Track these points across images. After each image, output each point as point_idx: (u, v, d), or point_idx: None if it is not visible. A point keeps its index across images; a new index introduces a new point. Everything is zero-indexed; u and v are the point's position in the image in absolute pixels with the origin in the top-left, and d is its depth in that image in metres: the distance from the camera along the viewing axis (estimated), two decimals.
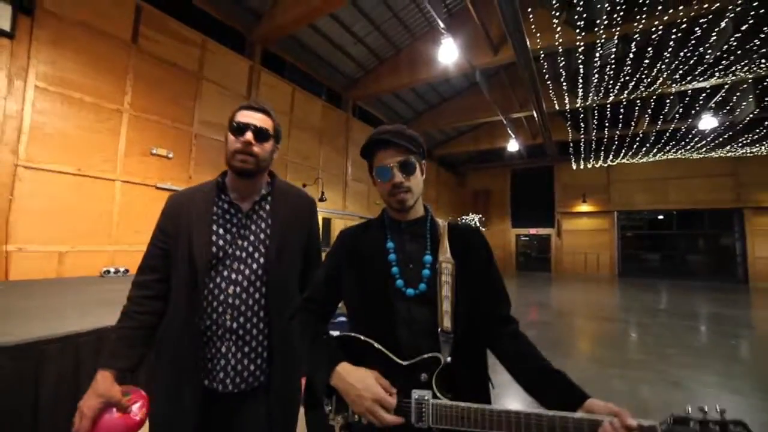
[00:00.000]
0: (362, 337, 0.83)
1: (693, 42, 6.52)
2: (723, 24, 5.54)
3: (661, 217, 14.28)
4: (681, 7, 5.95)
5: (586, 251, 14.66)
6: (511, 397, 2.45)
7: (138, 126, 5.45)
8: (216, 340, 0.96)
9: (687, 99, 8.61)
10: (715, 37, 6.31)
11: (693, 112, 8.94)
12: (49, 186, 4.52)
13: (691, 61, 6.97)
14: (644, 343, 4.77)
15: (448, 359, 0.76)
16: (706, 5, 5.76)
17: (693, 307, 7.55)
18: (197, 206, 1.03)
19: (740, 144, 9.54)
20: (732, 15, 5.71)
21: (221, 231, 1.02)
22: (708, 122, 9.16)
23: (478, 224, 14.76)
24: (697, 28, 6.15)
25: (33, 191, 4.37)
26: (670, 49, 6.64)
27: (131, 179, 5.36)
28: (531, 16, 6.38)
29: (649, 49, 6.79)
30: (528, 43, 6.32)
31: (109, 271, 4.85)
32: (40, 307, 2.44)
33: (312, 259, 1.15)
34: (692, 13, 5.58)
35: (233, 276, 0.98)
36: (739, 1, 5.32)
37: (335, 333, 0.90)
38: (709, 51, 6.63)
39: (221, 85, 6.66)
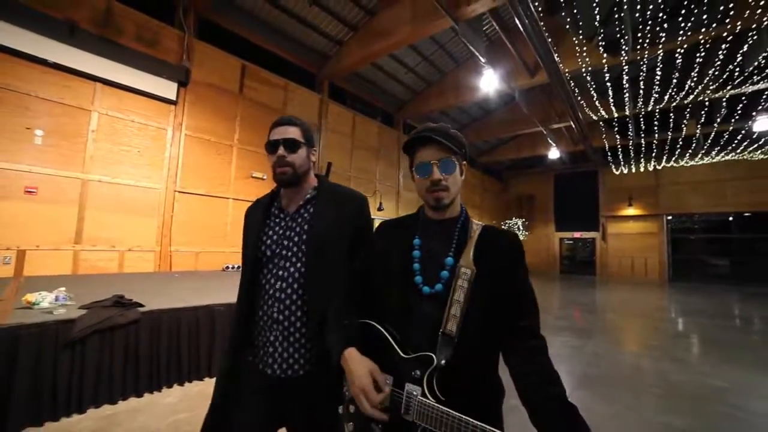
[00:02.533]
0: (373, 323, 0.89)
1: (738, 52, 6.79)
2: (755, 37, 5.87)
3: (724, 219, 13.78)
4: (715, 25, 6.37)
5: (633, 255, 14.56)
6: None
7: (243, 156, 7.12)
8: (266, 330, 1.08)
9: (743, 100, 8.58)
10: (755, 45, 6.54)
11: (752, 113, 8.90)
12: (190, 204, 6.26)
13: (738, 68, 7.17)
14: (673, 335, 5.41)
15: (442, 362, 0.77)
16: (739, 23, 6.15)
17: (742, 311, 7.73)
18: (258, 214, 1.20)
19: None
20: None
21: (270, 233, 1.15)
22: (763, 124, 9.11)
23: (520, 228, 15.30)
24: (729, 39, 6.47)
25: (182, 209, 6.13)
26: (720, 57, 6.87)
27: (239, 197, 7.02)
28: (563, 40, 7.15)
29: (698, 57, 7.02)
30: (561, 67, 7.14)
31: (228, 267, 6.50)
32: (205, 288, 3.94)
33: (360, 249, 1.18)
34: (728, 31, 5.94)
35: (279, 273, 1.09)
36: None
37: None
38: (760, 57, 6.77)
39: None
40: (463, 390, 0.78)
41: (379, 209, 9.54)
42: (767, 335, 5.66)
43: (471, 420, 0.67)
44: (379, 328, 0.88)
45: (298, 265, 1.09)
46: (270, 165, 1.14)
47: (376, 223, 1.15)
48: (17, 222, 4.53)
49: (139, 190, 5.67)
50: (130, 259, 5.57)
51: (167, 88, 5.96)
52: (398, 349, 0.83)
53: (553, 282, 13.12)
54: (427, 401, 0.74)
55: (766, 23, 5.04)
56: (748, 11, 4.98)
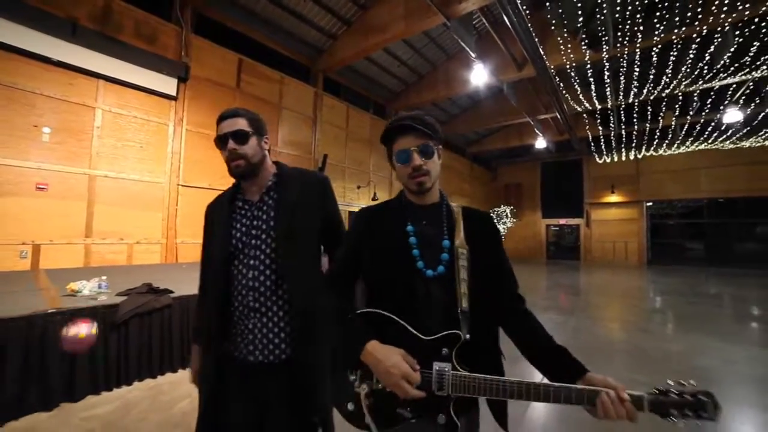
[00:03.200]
0: (385, 313, 0.90)
1: (710, 49, 7.25)
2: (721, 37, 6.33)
3: (693, 205, 14.58)
4: (688, 23, 6.79)
5: (615, 240, 15.32)
6: (520, 368, 3.92)
7: None
8: (244, 318, 1.09)
9: (712, 93, 9.14)
10: (721, 45, 7.04)
11: (720, 106, 9.47)
12: (193, 197, 6.46)
13: (707, 65, 7.68)
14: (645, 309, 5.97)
15: (467, 336, 0.85)
16: (705, 26, 6.54)
17: (713, 289, 8.41)
18: (222, 208, 1.19)
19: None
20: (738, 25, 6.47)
21: (238, 225, 1.14)
22: (733, 116, 9.69)
23: (508, 215, 15.84)
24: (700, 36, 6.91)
25: (186, 202, 6.33)
26: (690, 55, 7.36)
27: None
28: (549, 36, 7.47)
29: (671, 54, 7.48)
30: (547, 62, 7.49)
31: None
32: None
33: (332, 235, 1.21)
34: (697, 29, 6.35)
35: (251, 262, 1.10)
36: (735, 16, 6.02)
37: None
38: (725, 56, 7.32)
39: (294, 111, 8.41)
40: (482, 358, 0.87)
41: (374, 199, 9.85)
42: (726, 308, 6.30)
43: (504, 378, 0.79)
44: (389, 315, 0.90)
45: (268, 251, 1.10)
46: (224, 160, 1.14)
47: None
48: (31, 217, 4.71)
49: (143, 185, 5.85)
50: (138, 252, 5.79)
51: (167, 84, 6.09)
52: (416, 333, 0.87)
53: (540, 267, 13.75)
54: (462, 373, 0.81)
55: (728, 26, 5.47)
56: (712, 16, 5.40)
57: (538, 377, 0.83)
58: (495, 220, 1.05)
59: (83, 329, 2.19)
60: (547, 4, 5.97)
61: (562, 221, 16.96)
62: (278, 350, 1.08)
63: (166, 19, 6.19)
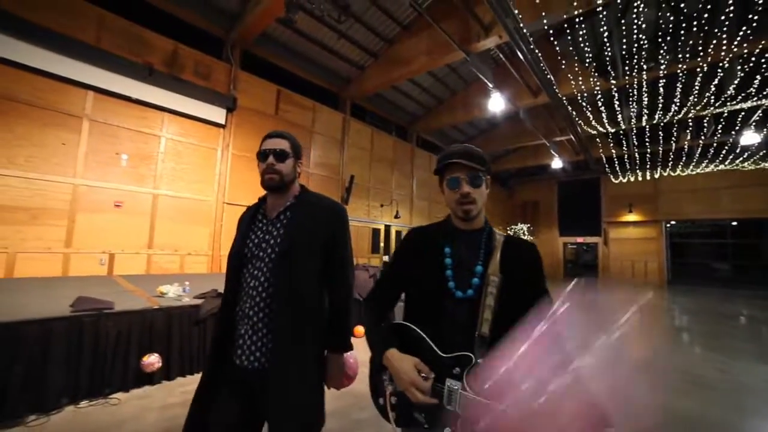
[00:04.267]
0: (412, 326, 1.00)
1: (715, 80, 7.65)
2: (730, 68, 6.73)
3: (712, 226, 14.47)
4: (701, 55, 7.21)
5: (634, 259, 15.28)
6: None
7: None
8: (241, 324, 1.19)
9: (724, 118, 9.42)
10: (726, 76, 7.39)
11: (734, 128, 9.70)
12: (236, 214, 7.19)
13: (719, 93, 8.02)
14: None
15: (479, 360, 0.88)
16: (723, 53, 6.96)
17: (724, 310, 8.47)
18: (246, 218, 1.31)
19: None
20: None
21: (253, 236, 1.25)
22: (750, 138, 9.86)
23: (525, 233, 16.09)
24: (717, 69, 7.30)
25: (229, 218, 7.09)
26: (696, 85, 7.79)
27: None
28: (561, 68, 8.02)
29: (678, 83, 7.91)
30: (559, 92, 8.02)
31: None
32: None
33: (334, 261, 1.27)
34: (700, 63, 6.80)
35: (255, 272, 1.20)
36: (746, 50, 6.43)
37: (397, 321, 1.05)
38: (731, 87, 7.63)
39: (325, 135, 9.20)
40: None
41: (396, 217, 10.46)
42: (736, 327, 6.45)
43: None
44: (416, 329, 0.98)
45: (271, 266, 1.18)
46: (259, 172, 1.25)
47: (351, 225, 1.35)
48: (108, 230, 5.53)
49: (194, 203, 6.64)
50: (188, 262, 6.54)
51: (218, 114, 6.96)
52: (436, 349, 0.93)
53: (557, 284, 13.85)
54: (469, 395, 0.84)
55: (728, 60, 5.91)
56: (713, 50, 5.88)
57: None
58: (537, 251, 1.07)
59: (154, 360, 2.88)
60: (554, 40, 6.53)
61: (580, 239, 17.04)
62: (264, 358, 1.15)
63: (218, 58, 7.11)
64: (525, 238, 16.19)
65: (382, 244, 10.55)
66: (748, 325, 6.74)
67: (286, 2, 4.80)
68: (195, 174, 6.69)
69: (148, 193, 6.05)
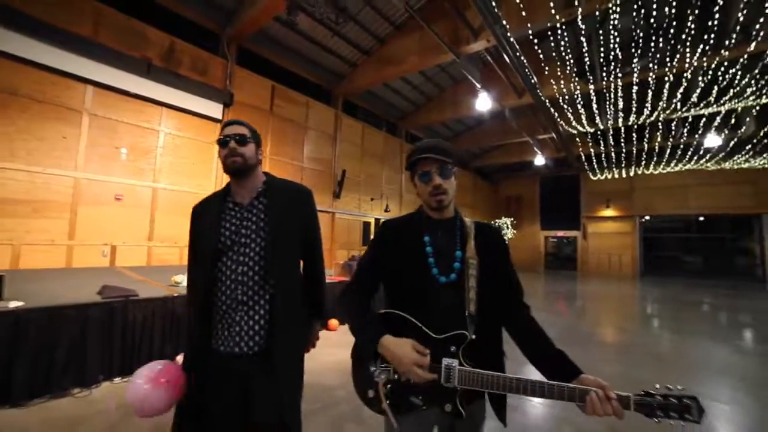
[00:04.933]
0: (401, 314, 1.03)
1: (680, 87, 8.26)
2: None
3: (680, 221, 15.48)
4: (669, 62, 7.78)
5: (610, 252, 16.17)
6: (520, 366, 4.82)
7: (273, 166, 8.25)
8: (231, 311, 1.19)
9: (689, 122, 10.18)
10: (690, 84, 8.02)
11: (698, 131, 10.47)
12: None
13: (684, 99, 8.66)
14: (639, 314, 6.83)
15: (473, 336, 0.96)
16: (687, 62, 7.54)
17: (687, 297, 9.25)
18: (210, 209, 1.30)
19: (744, 157, 10.91)
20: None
21: (227, 225, 1.25)
22: (712, 140, 10.63)
23: (508, 226, 16.73)
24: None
25: None
26: (666, 88, 8.40)
27: None
28: (544, 71, 8.47)
29: (649, 89, 8.55)
30: (542, 93, 8.48)
31: None
32: None
33: (309, 241, 1.35)
34: (667, 72, 7.36)
35: (240, 258, 1.21)
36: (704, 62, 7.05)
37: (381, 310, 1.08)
38: (693, 94, 8.23)
39: (318, 130, 9.40)
40: (485, 357, 0.97)
41: (386, 210, 10.80)
42: (695, 313, 7.13)
43: (505, 374, 0.90)
44: (405, 315, 1.02)
45: (257, 249, 1.21)
46: (221, 159, 1.27)
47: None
48: (109, 223, 5.65)
49: (192, 196, 6.78)
50: (186, 254, 6.70)
51: (214, 109, 7.08)
52: (428, 331, 0.98)
53: (538, 276, 14.61)
54: (468, 369, 0.92)
55: (691, 69, 6.52)
56: (678, 61, 6.47)
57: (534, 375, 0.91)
58: (503, 234, 1.29)
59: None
60: (537, 45, 6.96)
61: (560, 233, 17.84)
62: (261, 340, 1.19)
63: (214, 53, 7.20)
64: (507, 230, 16.88)
65: (371, 237, 10.88)
66: (706, 311, 7.45)
67: (287, 5, 5.00)
68: (193, 168, 6.83)
69: (148, 187, 6.17)
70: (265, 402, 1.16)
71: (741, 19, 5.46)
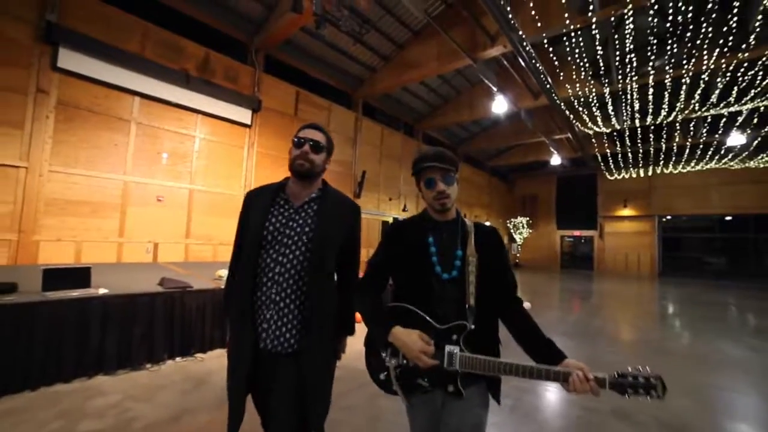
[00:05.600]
0: (409, 306, 1.15)
1: (698, 89, 8.24)
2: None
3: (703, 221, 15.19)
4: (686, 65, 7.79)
5: (627, 252, 16.04)
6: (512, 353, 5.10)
7: None
8: (265, 309, 1.21)
9: (708, 122, 10.07)
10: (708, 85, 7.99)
11: (720, 131, 10.35)
12: None
13: (699, 99, 8.61)
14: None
15: (472, 326, 1.08)
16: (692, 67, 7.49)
17: (702, 299, 9.23)
18: (262, 199, 1.32)
19: None
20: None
21: (273, 219, 1.27)
22: (736, 138, 10.48)
23: (524, 225, 16.75)
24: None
25: None
26: (684, 88, 8.38)
27: None
28: (559, 73, 8.60)
29: (666, 90, 8.58)
30: (556, 96, 8.62)
31: None
32: None
33: (348, 255, 1.38)
34: (683, 73, 7.39)
35: (279, 258, 1.22)
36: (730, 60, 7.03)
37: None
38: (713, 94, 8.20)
39: (339, 133, 9.80)
40: (482, 344, 1.10)
41: (404, 209, 11.15)
42: (709, 312, 7.18)
43: (500, 359, 1.03)
44: (412, 308, 1.14)
45: (297, 253, 1.22)
46: (290, 157, 1.29)
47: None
48: (152, 222, 6.20)
49: (224, 197, 7.30)
50: (220, 251, 7.23)
51: (244, 115, 7.57)
52: (433, 322, 1.10)
53: (554, 275, 14.66)
54: (468, 354, 1.05)
55: (709, 70, 6.58)
56: (694, 63, 6.55)
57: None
58: (500, 234, 1.29)
59: None
60: (550, 48, 7.13)
61: (577, 233, 17.76)
62: (288, 342, 1.20)
63: (243, 62, 7.69)
64: (522, 230, 16.93)
65: (382, 236, 11.26)
66: (721, 311, 7.48)
67: (316, 19, 5.39)
68: (225, 170, 7.34)
69: (185, 189, 6.71)
70: (287, 402, 1.17)
71: (759, 18, 5.52)
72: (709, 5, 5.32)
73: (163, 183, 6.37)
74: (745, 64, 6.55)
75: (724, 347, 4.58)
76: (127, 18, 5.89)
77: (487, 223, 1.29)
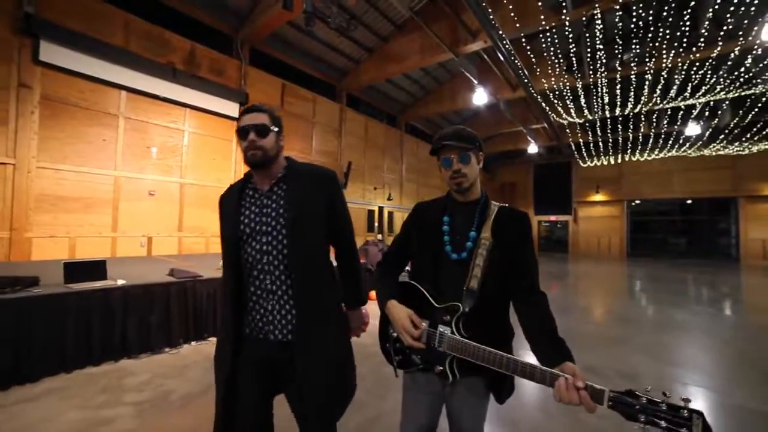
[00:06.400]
0: (414, 283, 1.19)
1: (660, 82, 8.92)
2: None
3: (663, 205, 16.37)
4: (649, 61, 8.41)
5: (599, 235, 17.09)
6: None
7: None
8: (263, 300, 1.18)
9: (668, 114, 10.89)
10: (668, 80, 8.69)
11: (678, 122, 11.20)
12: None
13: (664, 93, 9.34)
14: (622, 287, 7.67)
15: (466, 309, 1.06)
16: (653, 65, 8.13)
17: (663, 274, 10.14)
18: (232, 196, 1.27)
19: (721, 144, 11.70)
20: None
21: (247, 212, 1.22)
22: (692, 129, 11.36)
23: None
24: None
25: None
26: (647, 82, 9.06)
27: None
28: (538, 70, 9.07)
29: (631, 85, 9.21)
30: (533, 89, 9.09)
31: None
32: None
33: (338, 222, 1.30)
34: (646, 69, 8.02)
35: (263, 248, 1.18)
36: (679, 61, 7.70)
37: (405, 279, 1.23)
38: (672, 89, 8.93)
39: (324, 124, 9.95)
40: (481, 330, 1.06)
41: (389, 198, 11.47)
42: (667, 286, 7.98)
43: (484, 347, 0.98)
44: (418, 286, 1.18)
45: (280, 237, 1.17)
46: (242, 149, 1.21)
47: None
48: (145, 216, 6.27)
49: (214, 189, 7.38)
50: (212, 243, 7.36)
51: (231, 108, 7.62)
52: (432, 300, 1.13)
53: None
54: (455, 337, 1.04)
55: (668, 67, 7.21)
56: (655, 60, 7.17)
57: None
58: (529, 221, 1.18)
59: None
60: (527, 44, 7.54)
61: (553, 218, 18.69)
62: (293, 329, 1.17)
63: (229, 55, 7.69)
64: (522, 213, 17.87)
65: (376, 224, 11.60)
66: (678, 285, 8.32)
67: (305, 15, 5.52)
68: (214, 164, 7.42)
69: (176, 182, 6.77)
70: (292, 391, 1.17)
71: (707, 25, 6.10)
72: (666, 8, 5.85)
73: (154, 177, 6.42)
74: (697, 64, 7.20)
75: (673, 313, 5.25)
76: (108, 9, 5.83)
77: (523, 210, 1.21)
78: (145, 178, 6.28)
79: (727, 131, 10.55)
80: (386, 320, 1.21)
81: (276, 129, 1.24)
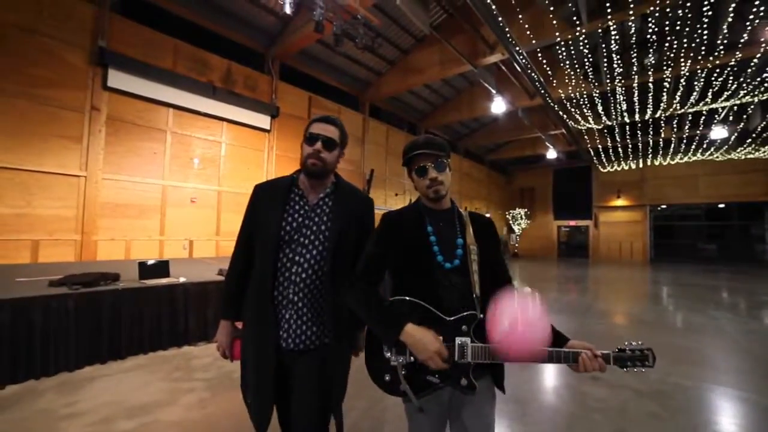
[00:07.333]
0: (413, 300, 1.10)
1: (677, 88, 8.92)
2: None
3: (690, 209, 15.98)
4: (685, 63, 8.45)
5: (621, 240, 16.85)
6: None
7: None
8: (282, 308, 1.19)
9: (690, 120, 10.77)
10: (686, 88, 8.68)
11: (701, 126, 11.05)
12: None
13: (684, 99, 9.32)
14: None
15: (481, 315, 1.05)
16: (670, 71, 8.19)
17: (686, 281, 10.02)
18: (277, 193, 1.26)
19: (750, 147, 11.45)
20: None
21: (289, 218, 1.22)
22: (718, 132, 11.17)
23: (523, 217, 17.47)
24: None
25: None
26: (665, 89, 9.08)
27: None
28: (554, 80, 9.26)
29: (649, 92, 9.24)
30: (550, 99, 9.28)
31: None
32: None
33: (358, 252, 1.26)
34: (664, 76, 8.08)
35: (296, 258, 1.18)
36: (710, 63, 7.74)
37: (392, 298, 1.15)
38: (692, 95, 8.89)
39: (348, 134, 10.41)
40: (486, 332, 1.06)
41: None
42: (686, 291, 7.95)
43: None
44: (418, 301, 1.10)
45: (314, 252, 1.19)
46: (302, 152, 1.24)
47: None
48: (187, 221, 6.88)
49: (248, 196, 7.92)
50: None
51: (264, 121, 8.21)
52: (440, 314, 1.08)
53: (552, 263, 15.44)
54: (478, 344, 1.04)
55: (686, 74, 7.30)
56: (673, 64, 7.27)
57: None
58: (495, 224, 1.29)
59: None
60: (541, 54, 7.77)
61: (573, 223, 18.54)
62: (309, 340, 1.19)
63: (261, 71, 8.30)
64: (521, 221, 17.70)
65: (375, 230, 11.94)
66: (697, 291, 8.26)
67: (335, 36, 6.00)
68: (248, 172, 8.00)
69: (214, 190, 7.38)
70: (302, 400, 1.16)
71: (726, 32, 6.19)
72: (682, 16, 6.00)
73: (195, 186, 7.04)
74: (717, 70, 7.25)
75: (689, 317, 5.37)
76: (160, 36, 6.50)
77: (487, 214, 1.32)
78: (188, 186, 6.90)
79: (755, 134, 10.35)
80: (379, 350, 1.11)
81: (340, 147, 1.31)
